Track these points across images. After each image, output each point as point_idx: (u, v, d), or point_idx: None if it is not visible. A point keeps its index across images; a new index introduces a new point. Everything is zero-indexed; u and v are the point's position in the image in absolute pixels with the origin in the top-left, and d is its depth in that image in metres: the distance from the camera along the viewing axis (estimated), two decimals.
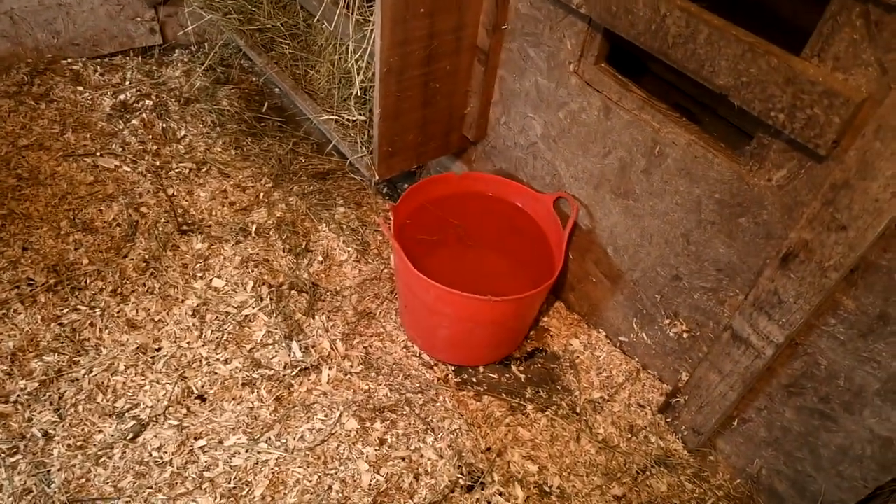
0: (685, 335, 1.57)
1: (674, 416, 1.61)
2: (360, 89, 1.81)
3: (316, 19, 1.97)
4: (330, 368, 1.64)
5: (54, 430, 1.44)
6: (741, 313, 1.34)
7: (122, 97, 2.36)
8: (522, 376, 1.72)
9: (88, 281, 1.74)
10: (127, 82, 2.43)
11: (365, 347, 1.71)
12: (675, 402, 1.59)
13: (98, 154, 2.13)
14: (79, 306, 1.68)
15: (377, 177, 1.80)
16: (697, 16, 1.20)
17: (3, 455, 1.39)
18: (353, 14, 1.78)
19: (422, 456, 1.49)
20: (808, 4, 1.66)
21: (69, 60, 2.46)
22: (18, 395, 1.49)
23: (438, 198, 1.79)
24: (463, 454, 1.51)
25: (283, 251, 1.92)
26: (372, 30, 1.66)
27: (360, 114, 1.86)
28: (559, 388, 1.69)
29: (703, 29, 1.19)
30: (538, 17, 1.57)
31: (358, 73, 1.80)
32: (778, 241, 1.28)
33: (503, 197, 1.81)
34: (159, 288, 1.76)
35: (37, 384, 1.51)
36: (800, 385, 1.34)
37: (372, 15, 1.70)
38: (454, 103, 1.81)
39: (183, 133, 2.27)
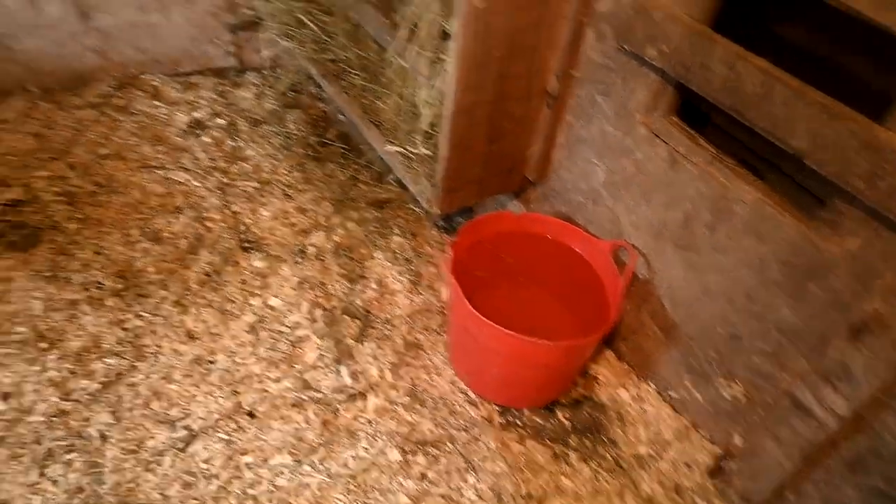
0: (741, 397, 1.53)
1: (724, 481, 1.56)
2: (427, 124, 1.86)
3: (388, 54, 2.04)
4: (376, 397, 1.65)
5: (110, 431, 1.49)
6: (804, 381, 1.30)
7: (196, 114, 2.47)
8: (568, 423, 1.70)
9: (153, 289, 1.81)
10: (202, 101, 2.54)
11: (412, 379, 1.72)
12: (725, 466, 1.55)
13: (170, 167, 2.23)
14: (142, 313, 1.74)
15: (439, 211, 1.83)
16: (775, 76, 1.20)
17: (60, 451, 1.44)
18: (425, 51, 1.83)
19: (462, 495, 1.48)
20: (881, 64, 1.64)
21: (150, 76, 2.59)
22: (79, 394, 1.54)
23: (495, 235, 1.81)
24: (503, 498, 1.49)
25: (339, 275, 1.96)
26: (444, 68, 1.71)
27: (425, 148, 1.90)
28: (605, 439, 1.66)
29: (781, 90, 1.19)
30: (610, 67, 1.59)
31: (426, 109, 1.85)
32: (848, 310, 1.24)
33: (560, 240, 1.81)
34: (218, 302, 1.81)
35: (97, 385, 1.56)
36: (863, 462, 1.29)
37: (444, 53, 1.75)
38: (518, 144, 1.84)
39: (250, 153, 2.36)
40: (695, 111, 1.70)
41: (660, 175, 1.55)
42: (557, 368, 1.63)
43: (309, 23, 2.38)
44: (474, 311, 1.49)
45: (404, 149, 1.96)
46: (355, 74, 2.26)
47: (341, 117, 2.60)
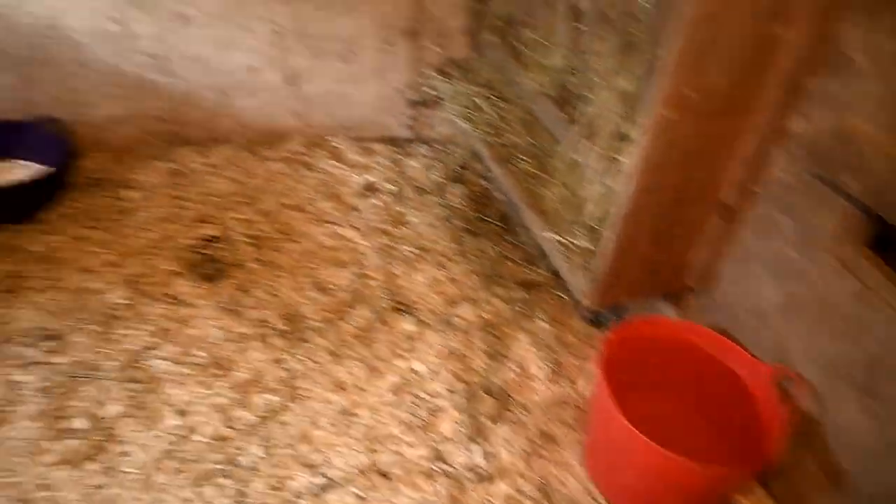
0: None
1: None
2: (592, 218, 1.89)
3: (561, 147, 2.11)
4: (506, 483, 1.64)
5: (260, 465, 1.60)
6: None
7: (369, 178, 2.68)
8: None
9: (312, 335, 1.95)
10: (376, 166, 2.76)
11: (543, 472, 1.69)
12: None
13: (341, 224, 2.42)
14: (301, 357, 1.88)
15: (592, 305, 1.83)
16: None
17: (216, 474, 1.56)
18: (600, 149, 1.88)
19: None
20: None
21: (335, 139, 2.87)
22: (239, 424, 1.68)
23: (647, 339, 1.76)
24: None
25: (481, 351, 2.00)
26: (619, 168, 1.74)
27: (586, 241, 1.92)
28: None
29: None
30: (795, 187, 1.53)
31: (593, 204, 1.88)
32: None
33: (717, 355, 1.73)
34: (368, 358, 1.91)
35: (255, 418, 1.69)
36: None
37: (620, 153, 1.79)
38: (684, 250, 1.81)
39: (413, 219, 2.51)
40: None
41: (844, 308, 1.44)
42: (700, 493, 1.53)
43: (485, 107, 2.55)
44: (620, 415, 1.45)
45: (564, 238, 1.99)
46: (524, 160, 2.36)
47: (502, 197, 2.71)
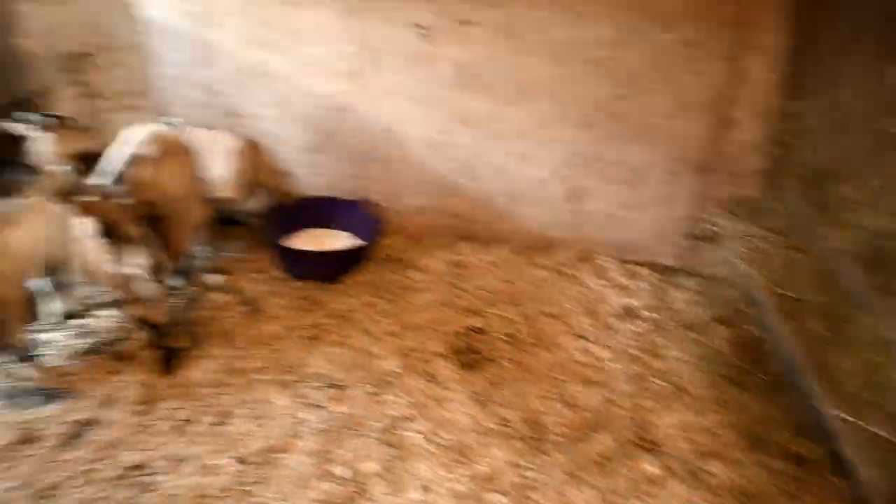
0: None
1: None
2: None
3: (868, 318, 1.88)
4: None
5: None
6: None
7: (631, 301, 2.67)
8: None
9: (551, 448, 1.96)
10: (640, 290, 2.74)
11: None
12: None
13: (596, 342, 2.43)
14: (537, 467, 1.89)
15: None
16: None
17: None
18: None
19: None
20: None
21: (602, 256, 2.93)
22: None
23: None
24: None
25: None
26: None
27: (888, 432, 1.64)
28: None
29: None
30: None
31: None
32: None
33: None
34: (604, 489, 1.85)
35: None
36: None
37: None
38: None
39: (671, 354, 2.41)
40: None
41: None
42: None
43: (773, 254, 2.39)
44: None
45: (858, 421, 1.73)
46: (813, 319, 2.14)
47: (777, 351, 2.46)
